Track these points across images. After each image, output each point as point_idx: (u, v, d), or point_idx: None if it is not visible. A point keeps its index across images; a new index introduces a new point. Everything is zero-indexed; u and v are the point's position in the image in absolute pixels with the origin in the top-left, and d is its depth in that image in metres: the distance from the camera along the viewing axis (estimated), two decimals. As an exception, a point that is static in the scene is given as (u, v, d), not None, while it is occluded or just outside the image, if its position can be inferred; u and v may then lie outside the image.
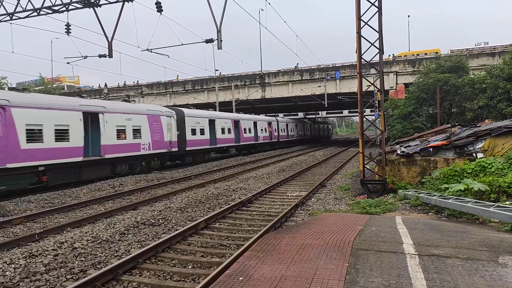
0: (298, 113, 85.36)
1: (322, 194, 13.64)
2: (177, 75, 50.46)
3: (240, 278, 5.04)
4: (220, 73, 48.05)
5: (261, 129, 40.76)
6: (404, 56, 44.36)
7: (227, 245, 7.86)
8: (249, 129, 37.67)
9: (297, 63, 50.31)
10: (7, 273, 6.30)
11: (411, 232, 7.13)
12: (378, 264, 5.40)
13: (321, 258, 5.76)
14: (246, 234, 8.58)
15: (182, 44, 20.16)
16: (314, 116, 78.32)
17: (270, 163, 25.76)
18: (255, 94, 44.18)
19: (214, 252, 7.36)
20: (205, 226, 9.18)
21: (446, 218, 8.98)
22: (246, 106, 49.10)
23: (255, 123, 39.28)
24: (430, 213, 9.56)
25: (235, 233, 8.78)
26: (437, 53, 43.41)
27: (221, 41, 16.77)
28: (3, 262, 6.74)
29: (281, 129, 47.28)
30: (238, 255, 6.32)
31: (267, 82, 43.67)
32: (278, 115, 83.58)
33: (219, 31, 16.54)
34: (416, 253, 5.84)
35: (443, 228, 7.60)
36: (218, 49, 16.82)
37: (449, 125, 18.59)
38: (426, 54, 44.97)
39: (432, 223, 8.11)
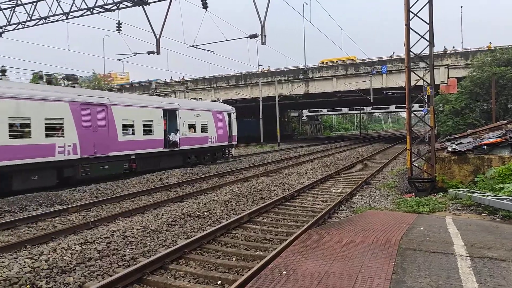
0: (342, 108, 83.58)
1: (367, 191, 13.36)
2: (263, 67, 49.52)
3: (284, 272, 5.08)
4: (264, 68, 48.07)
5: None
6: (325, 62, 46.41)
7: (270, 239, 7.92)
8: None
9: (393, 52, 48.33)
10: (64, 257, 6.73)
11: (462, 233, 6.84)
12: (426, 264, 5.24)
13: (366, 256, 5.67)
14: (289, 229, 8.59)
15: (227, 40, 20.38)
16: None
17: (313, 158, 25.55)
18: (298, 89, 43.88)
19: (257, 246, 7.44)
20: (249, 220, 9.30)
21: (500, 220, 8.52)
22: (289, 101, 48.88)
23: None
24: (483, 214, 9.09)
25: (278, 228, 8.82)
26: (352, 60, 44.53)
27: (265, 36, 16.80)
28: (61, 248, 7.21)
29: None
30: (282, 250, 6.36)
31: (310, 77, 43.25)
32: (321, 110, 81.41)
33: (263, 26, 16.57)
34: (467, 254, 5.60)
35: (497, 230, 7.22)
36: (262, 44, 16.88)
37: (505, 121, 17.49)
38: (343, 61, 45.71)
39: (485, 224, 7.73)
